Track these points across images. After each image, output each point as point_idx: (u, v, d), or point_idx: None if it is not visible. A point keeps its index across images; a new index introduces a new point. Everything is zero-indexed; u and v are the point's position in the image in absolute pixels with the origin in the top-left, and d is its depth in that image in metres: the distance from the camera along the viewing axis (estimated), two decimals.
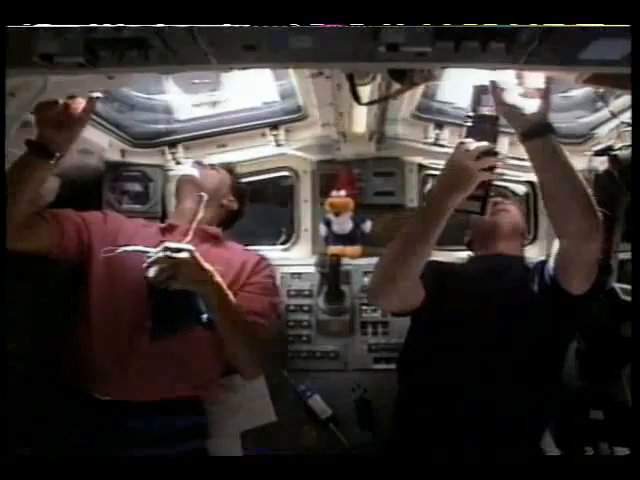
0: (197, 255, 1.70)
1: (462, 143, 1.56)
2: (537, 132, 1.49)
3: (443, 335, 1.80)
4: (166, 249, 1.67)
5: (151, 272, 1.64)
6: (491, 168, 1.53)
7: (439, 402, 1.78)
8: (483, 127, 1.60)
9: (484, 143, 1.53)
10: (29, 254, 1.81)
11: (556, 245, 1.68)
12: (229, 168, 2.32)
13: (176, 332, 1.81)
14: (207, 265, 1.73)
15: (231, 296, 1.80)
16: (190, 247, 1.70)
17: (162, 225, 2.10)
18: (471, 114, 1.63)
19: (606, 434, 2.06)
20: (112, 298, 1.83)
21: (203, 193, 2.00)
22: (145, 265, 1.66)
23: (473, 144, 1.53)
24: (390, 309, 1.95)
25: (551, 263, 1.72)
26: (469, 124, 1.61)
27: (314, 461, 1.65)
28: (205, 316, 1.81)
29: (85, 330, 1.80)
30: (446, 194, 1.54)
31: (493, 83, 1.50)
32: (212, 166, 2.25)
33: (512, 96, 1.50)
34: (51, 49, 1.09)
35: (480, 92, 1.63)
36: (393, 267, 1.61)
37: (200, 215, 1.92)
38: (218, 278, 1.75)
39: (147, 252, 1.67)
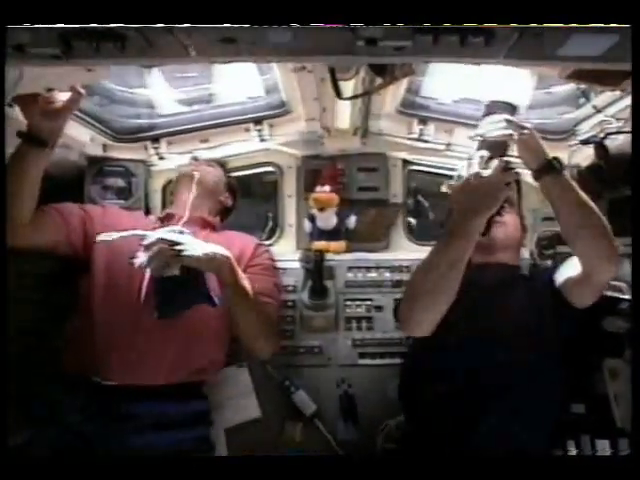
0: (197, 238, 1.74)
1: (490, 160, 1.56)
2: (551, 169, 1.56)
3: (457, 349, 1.77)
4: (162, 240, 1.64)
5: (150, 263, 1.63)
6: (509, 183, 1.55)
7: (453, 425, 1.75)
8: (496, 141, 1.63)
9: (507, 158, 1.55)
10: (34, 250, 1.80)
11: (570, 263, 1.74)
12: (222, 163, 2.35)
13: (181, 311, 1.79)
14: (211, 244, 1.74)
15: (239, 269, 1.81)
16: (186, 230, 1.73)
17: (160, 215, 2.15)
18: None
19: (588, 428, 2.08)
20: (114, 283, 1.84)
21: (196, 172, 2.06)
22: (142, 250, 1.65)
23: (495, 161, 1.52)
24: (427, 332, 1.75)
25: (558, 277, 1.78)
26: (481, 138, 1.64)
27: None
28: (212, 293, 1.77)
29: (88, 318, 1.80)
30: (474, 215, 1.52)
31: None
32: (208, 163, 2.27)
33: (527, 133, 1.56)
34: (24, 40, 1.06)
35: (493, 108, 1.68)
36: (431, 297, 1.59)
37: (194, 193, 1.96)
38: (226, 252, 1.76)
39: (144, 235, 1.67)
